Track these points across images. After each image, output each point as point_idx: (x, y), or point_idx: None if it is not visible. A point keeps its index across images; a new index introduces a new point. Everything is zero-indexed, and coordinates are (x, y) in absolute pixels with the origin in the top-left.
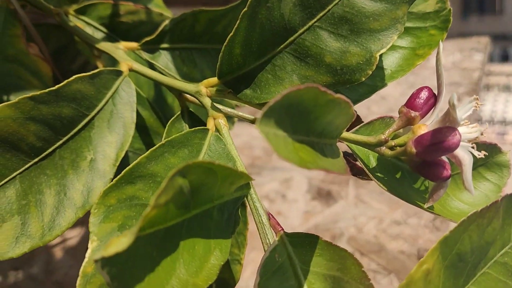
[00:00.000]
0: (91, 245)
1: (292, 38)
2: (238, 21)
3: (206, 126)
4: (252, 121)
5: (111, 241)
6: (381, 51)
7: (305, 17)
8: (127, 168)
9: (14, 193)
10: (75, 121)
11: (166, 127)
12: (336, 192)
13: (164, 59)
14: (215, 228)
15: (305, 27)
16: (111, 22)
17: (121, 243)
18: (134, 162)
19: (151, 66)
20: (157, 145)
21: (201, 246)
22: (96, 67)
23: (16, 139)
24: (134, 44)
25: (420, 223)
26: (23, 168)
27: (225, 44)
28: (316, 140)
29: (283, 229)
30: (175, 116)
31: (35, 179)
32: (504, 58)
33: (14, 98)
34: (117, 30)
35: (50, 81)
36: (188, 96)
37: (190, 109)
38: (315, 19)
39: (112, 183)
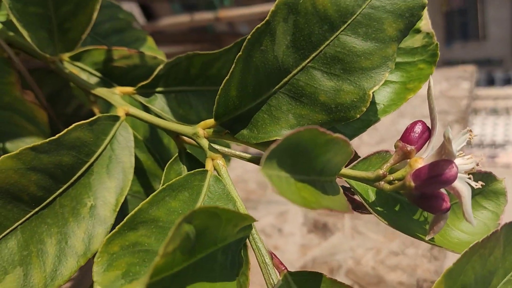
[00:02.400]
0: None
1: (286, 79)
2: (233, 65)
3: (204, 167)
4: (248, 160)
5: None
6: (374, 89)
7: (298, 58)
8: (129, 214)
9: (15, 244)
10: (75, 168)
11: (165, 170)
12: (332, 224)
13: (160, 102)
14: (219, 271)
15: (298, 68)
16: (106, 67)
17: None
18: (136, 208)
19: (147, 110)
20: (158, 190)
21: None
22: (91, 111)
23: (18, 190)
24: (129, 89)
25: (418, 252)
26: (24, 218)
27: (221, 87)
28: (317, 178)
29: (286, 268)
30: (172, 158)
31: (36, 228)
32: (490, 82)
33: (11, 146)
34: (111, 75)
35: (46, 126)
36: (185, 137)
37: (187, 150)
38: (308, 60)
39: (115, 230)
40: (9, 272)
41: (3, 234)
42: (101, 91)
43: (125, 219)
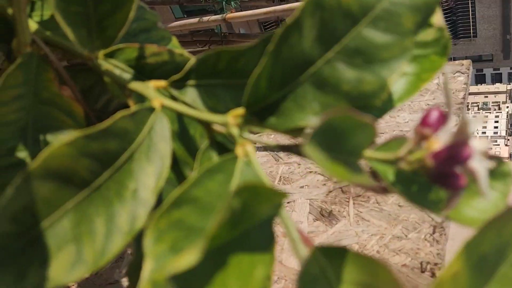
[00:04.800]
0: (146, 266)
1: (311, 70)
2: (264, 58)
3: (234, 153)
4: (274, 147)
5: (179, 257)
6: (394, 78)
7: (322, 50)
8: (175, 194)
9: (68, 223)
10: (119, 154)
11: (197, 156)
12: (337, 212)
13: (190, 94)
14: (255, 245)
15: (323, 60)
16: (137, 63)
17: (189, 259)
18: (181, 188)
19: (179, 102)
20: (197, 172)
21: (247, 261)
22: (118, 106)
23: (71, 174)
24: (162, 83)
25: (420, 237)
26: (76, 200)
27: (251, 78)
28: (347, 158)
29: (313, 244)
30: (204, 146)
31: (86, 209)
32: (481, 79)
33: (51, 138)
34: (142, 71)
35: (82, 120)
36: (215, 126)
37: (217, 139)
38: (332, 52)
39: (162, 208)
40: (63, 248)
41: (57, 214)
42: (136, 85)
43: (171, 198)
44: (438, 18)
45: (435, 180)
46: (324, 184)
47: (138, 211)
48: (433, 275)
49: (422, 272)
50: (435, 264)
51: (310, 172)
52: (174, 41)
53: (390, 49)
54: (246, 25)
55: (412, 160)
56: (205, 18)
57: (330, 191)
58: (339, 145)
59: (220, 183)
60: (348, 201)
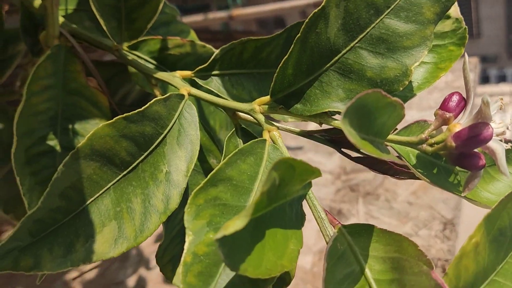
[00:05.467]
0: (188, 239)
1: (336, 58)
2: (292, 46)
3: (262, 138)
4: (298, 133)
5: (228, 223)
6: (415, 65)
7: (347, 39)
8: (211, 173)
9: (110, 202)
10: (153, 138)
11: (225, 142)
12: (347, 210)
13: (216, 84)
14: (288, 220)
15: (347, 48)
16: (160, 55)
17: (237, 224)
18: (216, 168)
19: (205, 91)
20: (231, 154)
21: (281, 235)
22: (138, 98)
23: (112, 154)
24: (188, 73)
25: (431, 234)
26: (116, 179)
27: (280, 66)
28: (373, 139)
29: (339, 222)
30: (230, 132)
31: (125, 189)
32: (485, 79)
33: (79, 127)
34: (165, 62)
35: (107, 110)
36: (240, 114)
37: (242, 125)
38: (356, 41)
39: (200, 186)
40: (106, 224)
41: (100, 192)
42: (163, 75)
43: (208, 177)
44: (455, 10)
45: (456, 162)
46: (333, 183)
47: (171, 192)
48: (444, 271)
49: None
50: (446, 260)
51: None
52: (193, 34)
53: (411, 38)
54: (244, 24)
55: (434, 142)
56: (211, 15)
57: (339, 190)
58: (368, 125)
59: (251, 164)
60: (358, 200)
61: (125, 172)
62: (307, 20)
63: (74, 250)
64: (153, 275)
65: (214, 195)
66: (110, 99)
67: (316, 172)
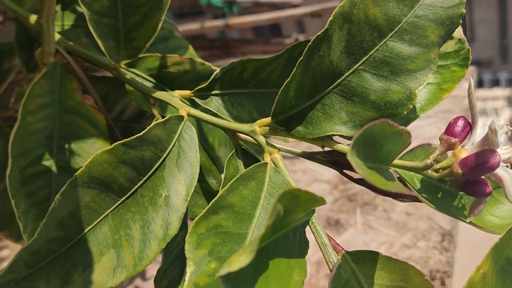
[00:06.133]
0: (189, 269)
1: (339, 80)
2: (294, 69)
3: (257, 161)
4: (299, 155)
5: (232, 259)
6: (419, 88)
7: (350, 62)
8: (213, 200)
9: (108, 229)
10: (152, 162)
11: (225, 163)
12: (345, 220)
13: (215, 103)
14: (292, 249)
15: (350, 70)
16: (159, 72)
17: (242, 261)
18: (218, 195)
19: (204, 110)
20: (233, 179)
21: (285, 265)
22: (134, 114)
23: (110, 181)
24: (187, 92)
25: (429, 245)
26: (114, 206)
27: (281, 88)
28: (379, 166)
29: (343, 249)
30: (230, 154)
31: (123, 216)
32: (479, 84)
33: (75, 146)
34: (163, 80)
35: (104, 128)
36: (240, 135)
37: (242, 146)
38: (359, 63)
39: (201, 214)
40: (105, 253)
41: (98, 220)
42: (162, 95)
43: (209, 204)
44: (458, 30)
45: (462, 188)
46: (330, 193)
47: (171, 217)
48: (442, 283)
49: (432, 280)
50: (445, 272)
51: (316, 180)
52: (191, 49)
53: (415, 61)
54: (240, 31)
55: (440, 167)
56: (207, 24)
57: (337, 200)
58: (374, 154)
59: (253, 189)
60: (355, 210)
61: (123, 198)
62: (309, 43)
63: (71, 280)
64: (150, 285)
65: (216, 223)
66: (107, 117)
67: (320, 201)
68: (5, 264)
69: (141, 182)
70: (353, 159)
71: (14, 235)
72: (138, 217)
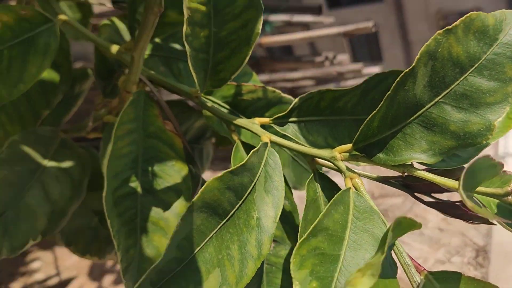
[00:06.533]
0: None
1: (421, 112)
2: (382, 102)
3: (334, 185)
4: (374, 179)
5: (354, 281)
6: (498, 120)
7: (432, 95)
8: (313, 225)
9: (213, 249)
10: (247, 186)
11: (306, 187)
12: None
13: (292, 130)
14: (384, 269)
15: (432, 103)
16: (234, 100)
17: (365, 283)
18: (317, 220)
19: (282, 137)
20: (328, 205)
21: (383, 285)
22: (196, 135)
23: (217, 205)
24: (266, 120)
25: (464, 260)
26: (217, 228)
27: (367, 119)
28: (471, 194)
29: (425, 269)
30: (309, 178)
31: (224, 237)
32: None
33: (157, 169)
34: (237, 107)
35: (182, 152)
36: (318, 160)
37: (319, 170)
38: (441, 96)
39: (303, 237)
40: (211, 272)
41: (205, 241)
42: (243, 122)
43: (310, 228)
44: None
45: None
46: None
47: (262, 238)
48: None
49: None
50: None
51: None
52: (254, 76)
53: (494, 95)
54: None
55: None
56: None
57: None
58: (471, 182)
59: (341, 213)
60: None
61: (224, 221)
62: (398, 79)
63: None
64: None
65: (315, 245)
66: (184, 141)
67: (417, 225)
68: (36, 275)
69: (238, 205)
70: (464, 193)
71: (80, 251)
72: (236, 238)
